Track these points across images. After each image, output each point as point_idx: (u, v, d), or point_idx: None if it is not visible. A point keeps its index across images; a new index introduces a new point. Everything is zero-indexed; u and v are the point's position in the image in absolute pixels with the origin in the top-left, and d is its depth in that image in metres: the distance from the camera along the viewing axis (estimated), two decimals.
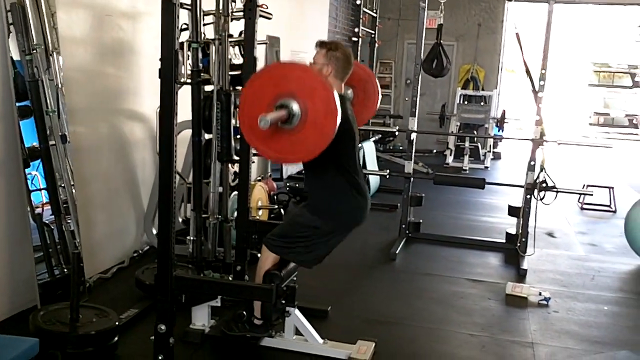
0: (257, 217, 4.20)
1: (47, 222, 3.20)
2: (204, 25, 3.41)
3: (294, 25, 6.70)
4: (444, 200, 6.20)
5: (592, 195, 5.01)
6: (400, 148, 8.53)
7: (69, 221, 3.25)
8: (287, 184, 5.63)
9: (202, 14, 3.35)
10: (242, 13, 3.21)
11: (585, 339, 3.26)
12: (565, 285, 4.09)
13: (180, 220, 4.05)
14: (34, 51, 3.02)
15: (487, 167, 8.80)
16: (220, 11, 3.37)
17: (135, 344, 2.82)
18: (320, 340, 2.84)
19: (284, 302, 2.67)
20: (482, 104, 9.30)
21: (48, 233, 3.20)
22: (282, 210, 4.74)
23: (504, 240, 4.81)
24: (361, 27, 6.51)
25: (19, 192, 3.04)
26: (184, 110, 3.36)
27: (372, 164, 6.56)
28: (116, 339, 2.71)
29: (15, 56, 2.99)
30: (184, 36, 3.30)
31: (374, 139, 7.14)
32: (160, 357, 2.42)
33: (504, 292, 3.81)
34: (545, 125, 4.48)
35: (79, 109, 3.40)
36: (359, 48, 6.54)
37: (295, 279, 2.82)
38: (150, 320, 2.46)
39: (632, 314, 3.69)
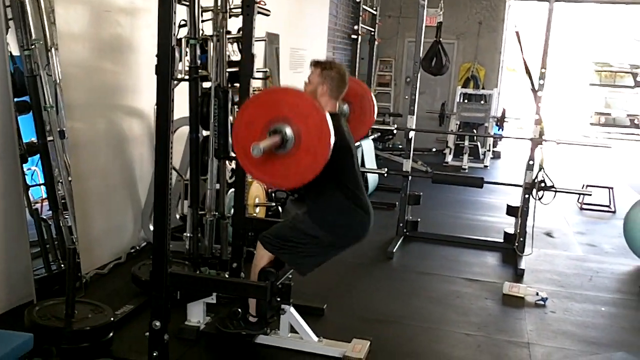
0: (254, 215, 4.20)
1: (44, 217, 3.21)
2: (203, 21, 3.40)
3: (293, 22, 6.68)
4: (443, 199, 6.19)
5: (590, 195, 5.01)
6: (400, 146, 8.52)
7: (67, 217, 3.25)
8: None
9: (200, 10, 3.35)
10: (240, 10, 3.20)
11: (582, 339, 3.25)
12: (562, 285, 4.08)
13: (177, 217, 4.06)
14: (33, 46, 3.02)
15: (486, 166, 8.78)
16: (219, 7, 3.36)
17: (131, 340, 2.82)
18: (315, 338, 2.84)
19: (279, 299, 2.66)
20: (482, 102, 9.29)
21: (45, 228, 3.20)
22: (279, 208, 4.73)
23: (502, 240, 4.80)
24: (361, 25, 6.49)
25: (16, 188, 3.04)
26: (182, 106, 3.36)
27: (370, 162, 6.56)
28: (111, 334, 2.72)
29: (15, 51, 2.99)
30: (183, 32, 3.30)
31: (372, 137, 7.12)
32: (154, 354, 2.42)
33: (501, 291, 3.80)
34: (544, 125, 4.47)
35: (76, 104, 3.39)
36: (359, 46, 6.51)
37: (290, 276, 2.82)
38: (146, 317, 2.45)
39: (629, 315, 3.69)
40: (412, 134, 4.85)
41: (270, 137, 2.25)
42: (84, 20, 3.47)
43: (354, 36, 6.39)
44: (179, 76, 3.23)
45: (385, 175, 4.94)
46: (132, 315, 3.07)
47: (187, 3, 3.24)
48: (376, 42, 8.00)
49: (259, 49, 4.83)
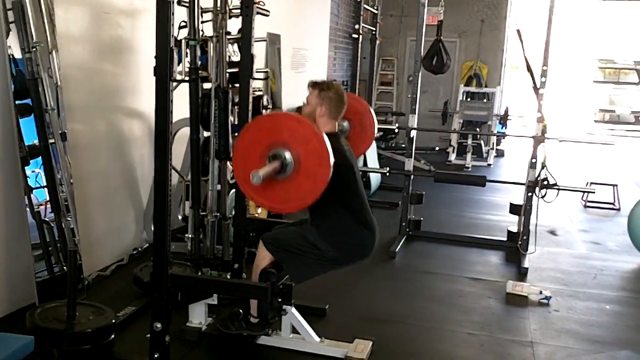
0: (256, 215, 4.19)
1: (46, 219, 3.21)
2: (202, 22, 3.39)
3: (294, 22, 6.68)
4: (446, 198, 6.17)
5: (594, 192, 4.98)
6: (402, 145, 8.49)
7: (69, 219, 3.25)
8: None
9: (200, 11, 3.34)
10: (239, 10, 3.20)
11: (586, 338, 3.24)
12: (566, 283, 4.06)
13: (180, 217, 4.06)
14: (34, 49, 3.02)
15: (490, 165, 8.75)
16: (218, 8, 3.36)
17: (132, 342, 2.82)
18: (317, 339, 2.84)
19: (280, 300, 2.65)
20: (485, 101, 9.25)
21: (47, 231, 3.21)
22: None
23: (505, 238, 4.78)
24: (362, 24, 6.47)
25: (17, 190, 3.04)
26: (183, 108, 3.36)
27: (373, 161, 6.55)
28: (112, 336, 2.71)
29: (17, 54, 2.99)
30: (183, 34, 3.30)
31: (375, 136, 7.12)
32: (156, 355, 2.42)
33: (504, 290, 3.79)
34: (547, 122, 4.45)
35: (77, 106, 3.40)
36: (360, 45, 6.50)
37: None
38: (148, 318, 2.45)
39: (634, 313, 3.66)
40: (413, 132, 4.84)
41: (269, 164, 2.28)
42: (83, 22, 3.48)
43: (355, 35, 6.37)
44: (179, 77, 3.23)
45: (387, 174, 4.93)
46: (134, 317, 3.07)
47: (187, 4, 3.23)
48: (378, 41, 7.99)
49: (259, 49, 4.82)
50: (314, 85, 2.76)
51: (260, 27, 3.24)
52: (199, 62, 3.31)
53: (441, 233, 4.94)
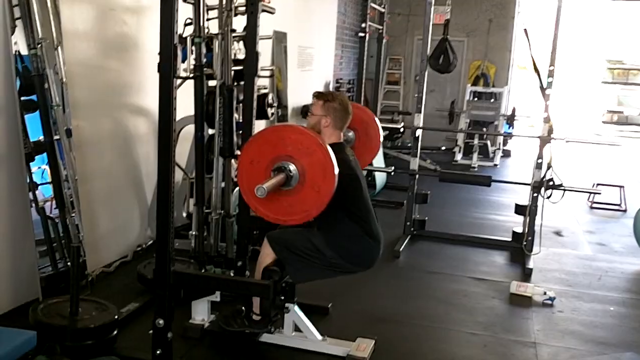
0: None
1: (51, 215, 3.22)
2: (208, 20, 3.40)
3: (301, 20, 6.68)
4: (451, 198, 6.15)
5: (600, 194, 4.95)
6: (409, 144, 8.47)
7: (73, 215, 3.26)
8: None
9: (205, 8, 3.34)
10: (245, 8, 3.20)
11: (590, 339, 3.22)
12: (571, 284, 4.04)
13: (184, 215, 4.06)
14: (39, 45, 3.03)
15: (496, 165, 8.72)
16: (224, 6, 3.36)
17: (135, 338, 2.83)
18: (320, 337, 2.83)
19: (282, 298, 2.66)
20: (492, 100, 9.21)
21: (52, 227, 3.22)
22: None
23: (510, 239, 4.77)
24: (369, 23, 6.46)
25: (22, 186, 3.06)
26: (188, 105, 3.36)
27: (378, 160, 6.53)
28: (115, 332, 2.72)
29: (23, 51, 3.00)
30: (189, 31, 3.30)
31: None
32: (158, 352, 2.42)
33: (508, 291, 3.77)
34: (553, 123, 4.42)
35: (82, 103, 3.40)
36: (367, 44, 6.49)
37: None
38: (151, 315, 2.45)
39: (639, 315, 3.64)
40: (419, 132, 4.82)
41: (274, 176, 2.30)
42: (89, 18, 3.49)
43: (361, 34, 6.36)
44: (185, 75, 3.23)
45: (392, 173, 4.92)
46: (137, 313, 3.08)
47: (193, 1, 3.23)
48: (385, 40, 7.96)
49: (265, 47, 4.82)
50: (318, 96, 2.77)
51: (267, 25, 3.25)
52: (204, 60, 3.33)
53: (446, 233, 4.93)
